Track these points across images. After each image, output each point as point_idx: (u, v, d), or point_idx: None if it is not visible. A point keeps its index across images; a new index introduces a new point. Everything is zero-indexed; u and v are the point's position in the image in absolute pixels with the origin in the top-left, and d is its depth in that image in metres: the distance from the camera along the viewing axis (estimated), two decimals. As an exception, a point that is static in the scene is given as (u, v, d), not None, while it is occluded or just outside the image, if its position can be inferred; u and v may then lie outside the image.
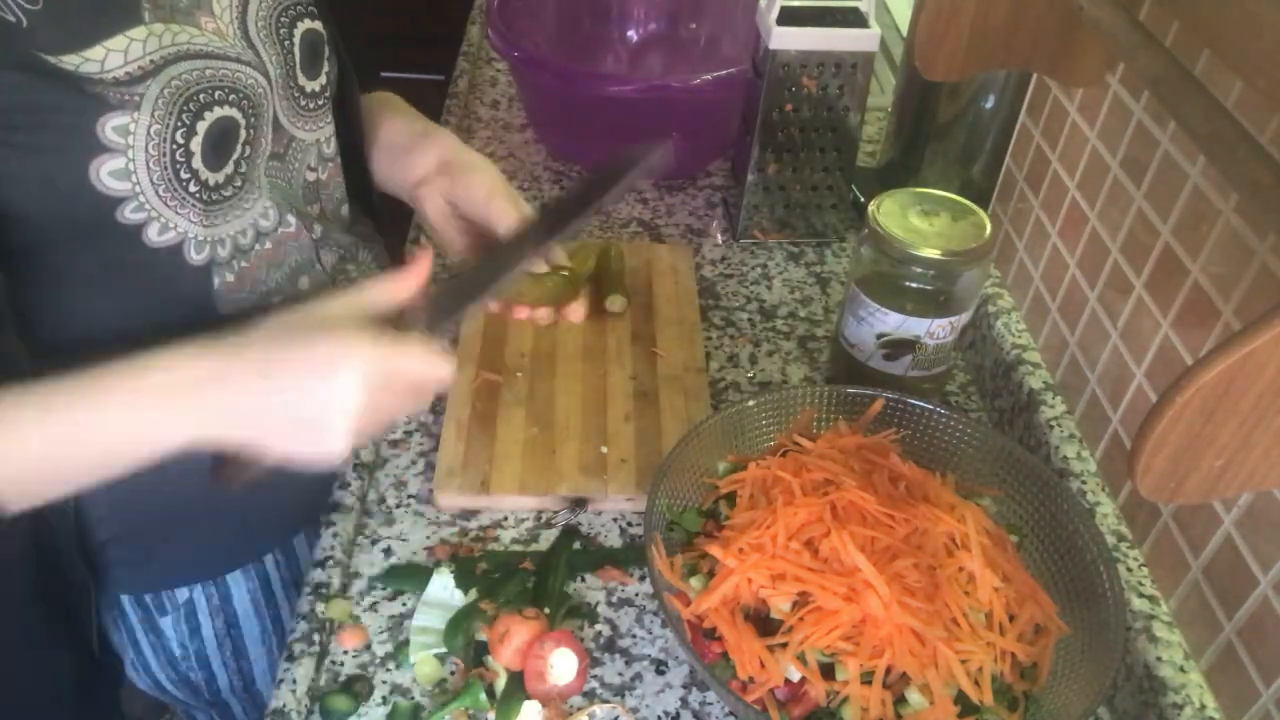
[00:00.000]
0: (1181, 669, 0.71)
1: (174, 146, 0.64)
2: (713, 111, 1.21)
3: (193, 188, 0.67)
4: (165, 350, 0.61)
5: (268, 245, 0.75)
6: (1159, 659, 0.71)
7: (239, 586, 0.90)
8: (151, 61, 0.63)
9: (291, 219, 0.77)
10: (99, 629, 0.89)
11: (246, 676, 0.96)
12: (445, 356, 0.65)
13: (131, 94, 0.62)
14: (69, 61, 0.60)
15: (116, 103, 0.61)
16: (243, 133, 0.69)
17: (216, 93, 0.66)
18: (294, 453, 0.62)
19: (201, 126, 0.65)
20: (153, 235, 0.67)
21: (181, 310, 0.72)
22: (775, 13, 1.03)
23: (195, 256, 0.70)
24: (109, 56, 0.61)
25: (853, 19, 1.05)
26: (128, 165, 0.63)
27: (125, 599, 0.88)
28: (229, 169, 0.69)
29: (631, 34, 1.42)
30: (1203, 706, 0.69)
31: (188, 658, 0.92)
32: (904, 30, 1.41)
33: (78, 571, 0.82)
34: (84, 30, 0.60)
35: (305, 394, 0.61)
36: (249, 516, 0.88)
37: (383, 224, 0.94)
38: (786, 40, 1.04)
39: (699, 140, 1.26)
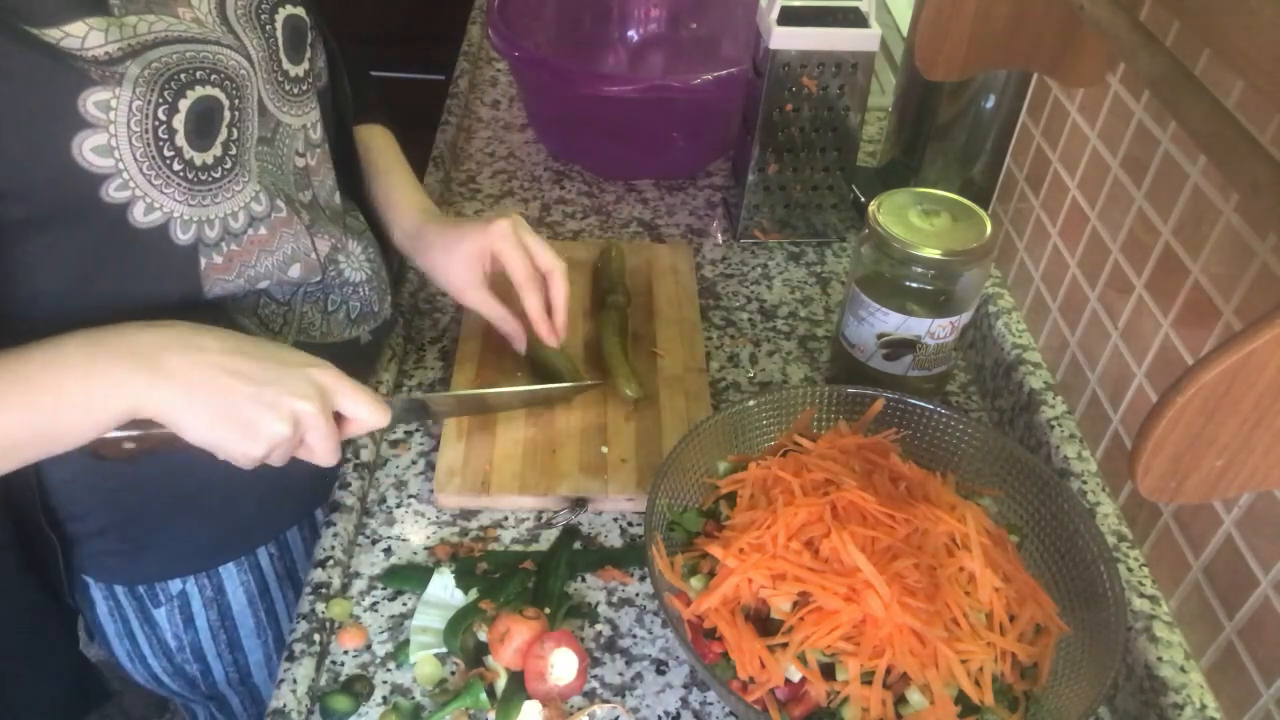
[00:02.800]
0: (1182, 669, 0.71)
1: (156, 124, 0.65)
2: (713, 111, 1.21)
3: (176, 166, 0.67)
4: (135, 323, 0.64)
5: (262, 231, 0.75)
6: (1159, 659, 0.71)
7: (232, 579, 0.91)
8: (129, 46, 0.63)
9: (281, 205, 0.77)
10: (69, 589, 0.89)
11: (242, 669, 0.96)
12: (385, 411, 0.71)
13: (113, 71, 0.63)
14: (50, 35, 0.60)
15: (98, 78, 0.62)
16: (226, 114, 0.69)
17: (198, 73, 0.67)
18: (216, 438, 0.65)
19: (184, 105, 0.66)
20: (139, 215, 0.67)
21: (168, 292, 0.72)
22: (775, 12, 1.03)
23: (181, 236, 0.70)
24: (90, 34, 0.62)
25: (853, 19, 1.05)
26: (110, 141, 0.63)
27: (119, 590, 0.88)
28: (217, 150, 0.69)
29: (631, 34, 1.42)
30: (1203, 706, 0.69)
31: (183, 649, 0.92)
32: (904, 30, 1.41)
33: (42, 532, 0.82)
34: (49, 5, 0.61)
35: (264, 375, 0.65)
36: (240, 511, 0.88)
37: (376, 221, 0.94)
38: (787, 40, 1.04)
39: (699, 140, 1.26)
